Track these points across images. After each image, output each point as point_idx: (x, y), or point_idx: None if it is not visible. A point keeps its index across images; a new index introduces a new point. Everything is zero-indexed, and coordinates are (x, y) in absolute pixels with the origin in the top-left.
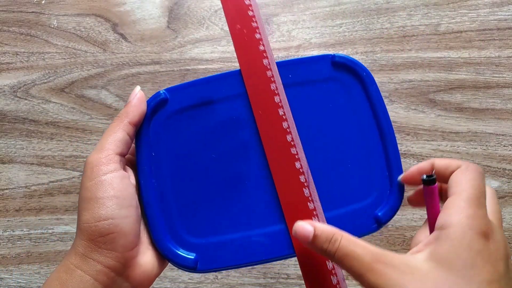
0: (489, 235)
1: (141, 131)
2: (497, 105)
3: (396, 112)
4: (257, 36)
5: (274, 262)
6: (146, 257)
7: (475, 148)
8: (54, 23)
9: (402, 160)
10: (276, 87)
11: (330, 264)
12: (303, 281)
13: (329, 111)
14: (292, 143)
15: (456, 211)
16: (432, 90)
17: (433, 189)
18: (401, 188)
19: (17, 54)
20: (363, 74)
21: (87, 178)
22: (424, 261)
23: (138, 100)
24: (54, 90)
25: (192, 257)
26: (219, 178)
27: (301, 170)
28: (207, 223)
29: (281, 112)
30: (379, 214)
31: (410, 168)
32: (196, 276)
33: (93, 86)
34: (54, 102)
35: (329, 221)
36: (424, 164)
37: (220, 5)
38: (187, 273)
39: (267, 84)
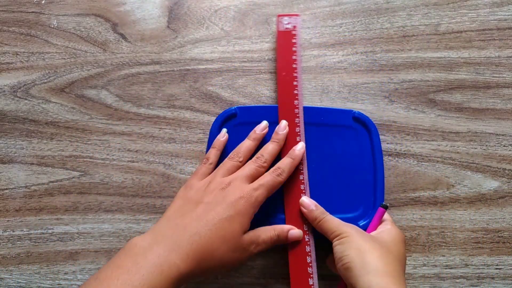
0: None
1: (215, 132)
2: (497, 105)
3: (396, 112)
4: (295, 83)
5: (275, 263)
6: None
7: (475, 148)
8: (54, 23)
9: (402, 160)
10: (299, 121)
11: (310, 269)
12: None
13: (342, 147)
14: (301, 161)
15: (390, 224)
16: (432, 90)
17: (384, 211)
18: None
19: (17, 54)
20: (372, 128)
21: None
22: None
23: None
24: (54, 90)
25: None
26: None
27: (302, 181)
28: None
29: (298, 139)
30: (361, 224)
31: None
32: None
33: (93, 86)
34: (54, 102)
35: None
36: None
37: (220, 5)
38: None
39: (293, 118)
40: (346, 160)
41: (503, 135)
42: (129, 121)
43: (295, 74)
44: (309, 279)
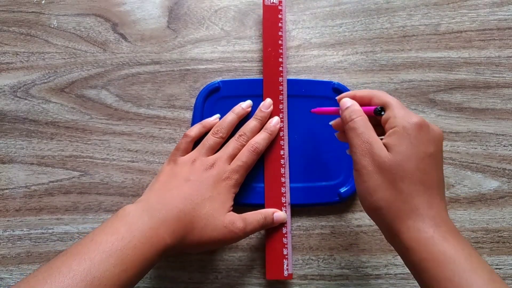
0: (422, 126)
1: (199, 105)
2: (497, 105)
3: None
4: (280, 60)
5: None
6: None
7: (475, 148)
8: (54, 23)
9: None
10: (283, 98)
11: (285, 251)
12: (303, 281)
13: (322, 117)
14: (282, 137)
15: (394, 118)
16: (432, 90)
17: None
18: None
19: (17, 54)
20: None
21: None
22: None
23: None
24: (54, 90)
25: None
26: None
27: (283, 156)
28: None
29: (281, 116)
30: (342, 191)
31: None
32: (196, 276)
33: (93, 86)
34: (54, 102)
35: (307, 190)
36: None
37: (220, 5)
38: (187, 273)
39: (277, 95)
40: (325, 128)
41: (503, 135)
42: (129, 121)
43: (280, 51)
44: (284, 260)
